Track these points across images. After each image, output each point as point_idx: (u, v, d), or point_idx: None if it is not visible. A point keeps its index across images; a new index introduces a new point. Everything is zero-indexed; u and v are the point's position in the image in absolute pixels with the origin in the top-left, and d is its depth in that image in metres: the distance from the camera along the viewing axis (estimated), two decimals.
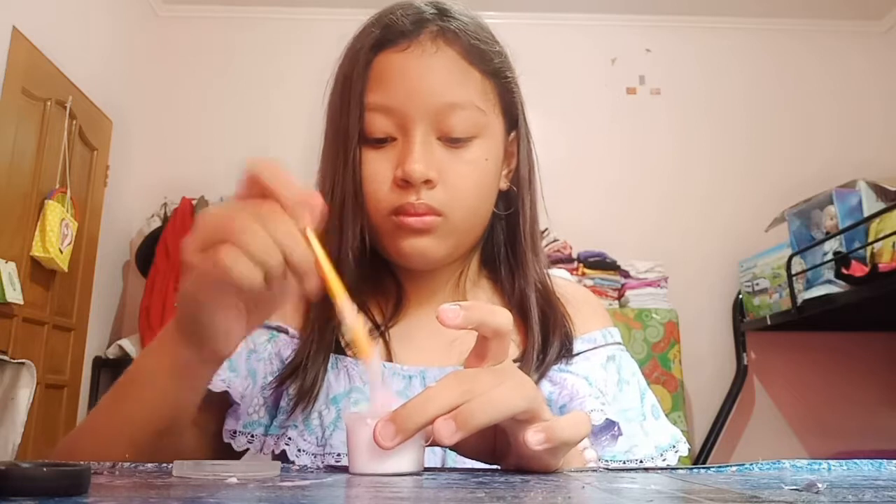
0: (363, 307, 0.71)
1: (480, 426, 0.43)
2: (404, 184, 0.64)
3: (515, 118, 0.74)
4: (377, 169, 0.66)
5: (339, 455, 0.62)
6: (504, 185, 0.73)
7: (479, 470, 0.51)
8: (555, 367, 0.70)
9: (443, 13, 0.68)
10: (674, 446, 0.70)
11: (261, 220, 0.44)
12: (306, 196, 0.46)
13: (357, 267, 0.68)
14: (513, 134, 0.74)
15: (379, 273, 0.73)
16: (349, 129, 0.66)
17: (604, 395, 0.68)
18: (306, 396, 0.65)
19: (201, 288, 0.47)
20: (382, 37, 0.67)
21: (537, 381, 0.67)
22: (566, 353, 0.70)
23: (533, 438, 0.44)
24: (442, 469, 0.53)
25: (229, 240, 0.43)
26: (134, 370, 0.57)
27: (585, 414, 0.48)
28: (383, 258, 0.71)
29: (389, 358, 0.69)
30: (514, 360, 0.69)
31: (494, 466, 0.56)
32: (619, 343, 0.77)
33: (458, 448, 0.50)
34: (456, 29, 0.67)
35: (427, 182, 0.64)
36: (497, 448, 0.50)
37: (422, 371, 0.68)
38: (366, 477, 0.46)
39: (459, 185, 0.66)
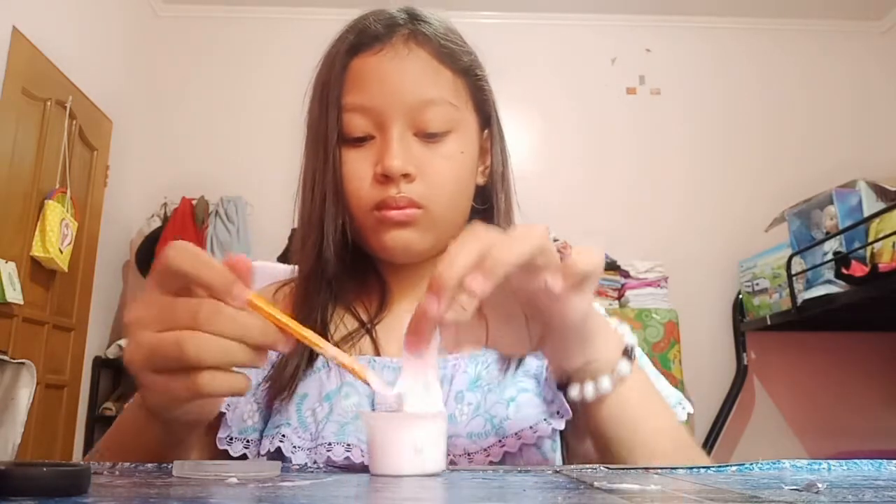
0: (349, 308, 0.73)
1: (505, 272, 0.44)
2: (384, 179, 0.67)
3: (488, 115, 0.77)
4: (357, 167, 0.68)
5: (329, 444, 0.63)
6: (481, 180, 0.76)
7: (479, 469, 0.51)
8: None
9: (414, 18, 0.72)
10: (679, 403, 0.72)
11: (205, 325, 0.44)
12: (233, 267, 0.46)
13: (339, 262, 0.70)
14: (486, 131, 0.77)
15: (363, 272, 0.75)
16: (328, 130, 0.69)
17: None
18: (284, 389, 0.67)
19: (174, 405, 0.47)
20: (357, 41, 0.70)
21: (520, 362, 0.70)
22: None
23: (554, 281, 0.46)
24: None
25: (188, 363, 0.44)
26: (122, 427, 0.59)
27: (591, 247, 0.50)
28: (366, 257, 0.74)
29: (377, 352, 0.71)
30: None
31: (496, 466, 0.56)
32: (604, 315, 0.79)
33: (495, 345, 0.52)
34: (426, 32, 0.71)
35: (406, 176, 0.67)
36: (531, 336, 0.52)
37: None
38: (364, 476, 0.46)
39: (438, 177, 0.68)
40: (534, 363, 0.71)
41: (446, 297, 0.43)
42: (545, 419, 0.65)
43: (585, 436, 0.69)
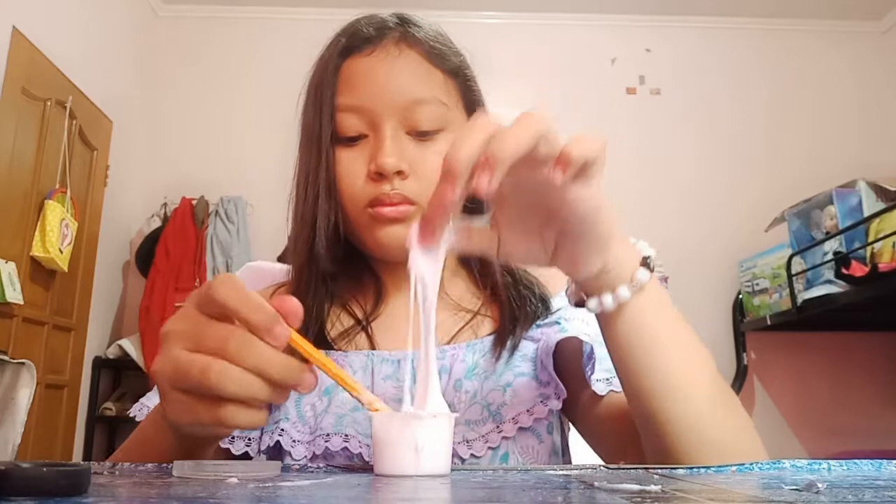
0: (344, 306, 0.75)
1: (512, 159, 0.43)
2: (378, 177, 0.68)
3: None
4: (351, 166, 0.70)
5: (327, 436, 0.65)
6: None
7: (479, 470, 0.51)
8: (534, 326, 0.74)
9: (404, 21, 0.74)
10: None
11: (232, 356, 0.44)
12: (280, 307, 0.46)
13: (332, 259, 0.71)
14: None
15: (357, 270, 0.76)
16: (322, 131, 0.70)
17: (588, 326, 0.70)
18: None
19: (197, 428, 0.48)
20: (349, 44, 0.72)
21: (514, 349, 0.71)
22: (545, 310, 0.75)
23: (555, 174, 0.45)
24: None
25: (210, 391, 0.44)
26: (140, 440, 0.59)
27: (590, 133, 0.48)
28: (361, 255, 0.75)
29: (373, 347, 0.72)
30: (489, 334, 0.73)
31: (496, 466, 0.56)
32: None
33: (508, 254, 0.52)
34: (417, 34, 0.73)
35: (399, 173, 0.68)
36: (545, 246, 0.52)
37: (407, 354, 0.70)
38: (365, 476, 0.46)
39: (430, 175, 0.69)
40: (531, 346, 0.72)
41: (459, 183, 0.43)
42: (541, 401, 0.66)
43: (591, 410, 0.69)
